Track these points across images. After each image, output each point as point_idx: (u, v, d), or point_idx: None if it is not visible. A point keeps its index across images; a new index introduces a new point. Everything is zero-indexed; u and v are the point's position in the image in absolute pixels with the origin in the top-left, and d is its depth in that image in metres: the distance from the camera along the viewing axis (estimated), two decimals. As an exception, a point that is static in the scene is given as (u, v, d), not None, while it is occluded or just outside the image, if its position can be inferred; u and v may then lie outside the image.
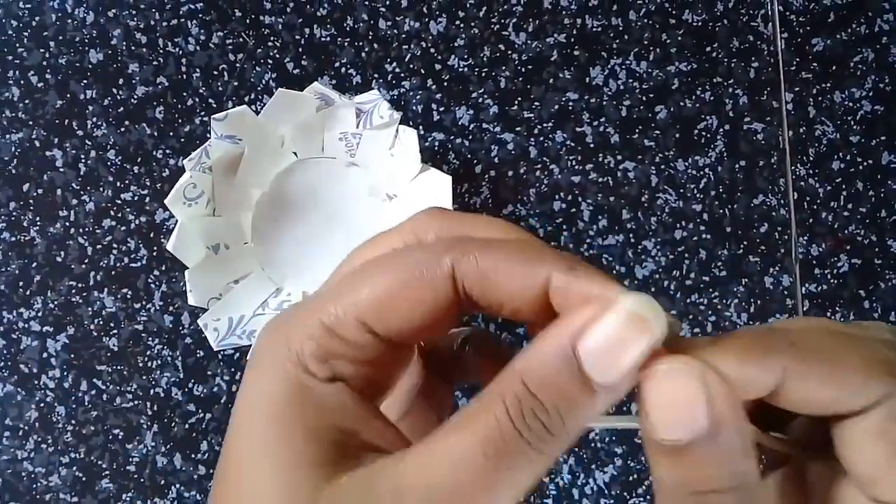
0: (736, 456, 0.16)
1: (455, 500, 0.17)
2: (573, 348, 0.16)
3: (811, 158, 0.42)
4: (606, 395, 0.16)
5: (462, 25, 0.41)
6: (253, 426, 0.19)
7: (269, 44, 0.40)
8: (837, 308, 0.41)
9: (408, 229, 0.20)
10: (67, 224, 0.39)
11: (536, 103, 0.41)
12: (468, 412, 0.17)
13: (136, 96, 0.39)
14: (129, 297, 0.39)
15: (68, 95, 0.39)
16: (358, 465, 0.18)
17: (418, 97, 0.40)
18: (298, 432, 0.18)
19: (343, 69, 0.40)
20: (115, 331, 0.39)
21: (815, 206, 0.42)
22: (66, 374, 0.38)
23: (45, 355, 0.38)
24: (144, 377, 0.38)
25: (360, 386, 0.19)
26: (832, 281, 0.41)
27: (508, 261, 0.18)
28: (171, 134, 0.39)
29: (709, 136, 0.41)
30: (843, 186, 0.42)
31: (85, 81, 0.39)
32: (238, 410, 0.19)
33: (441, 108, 0.40)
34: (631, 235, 0.41)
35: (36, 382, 0.38)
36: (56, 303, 0.38)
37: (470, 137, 0.40)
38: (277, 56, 0.40)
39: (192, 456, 0.38)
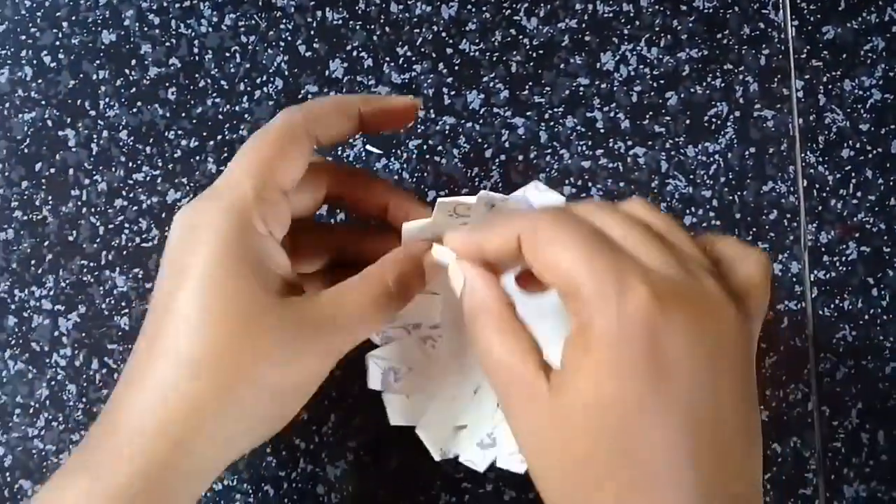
0: (476, 290, 0.28)
1: (356, 325, 0.29)
2: (423, 260, 0.31)
3: (821, 146, 0.42)
4: (424, 286, 0.31)
5: (473, 10, 0.41)
6: (212, 257, 0.26)
7: (282, 26, 0.40)
8: (846, 295, 0.41)
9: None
10: (79, 203, 0.39)
11: (547, 88, 0.41)
12: (365, 277, 0.29)
13: (148, 77, 0.39)
14: (140, 276, 0.39)
15: (81, 75, 0.39)
16: (289, 297, 0.28)
17: (429, 81, 0.40)
18: (251, 264, 0.27)
19: (354, 52, 0.40)
20: (126, 310, 0.39)
21: (824, 194, 0.42)
22: (77, 352, 0.38)
23: (56, 334, 0.38)
24: (155, 356, 0.38)
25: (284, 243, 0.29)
26: (841, 268, 0.42)
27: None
28: (184, 115, 0.39)
29: (719, 122, 0.41)
30: (853, 174, 0.42)
31: (98, 62, 0.39)
32: (187, 246, 0.27)
33: (452, 92, 0.40)
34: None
35: (47, 361, 0.38)
36: (68, 282, 0.39)
37: (480, 122, 0.41)
38: (289, 38, 0.40)
39: (202, 435, 0.38)
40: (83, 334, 0.39)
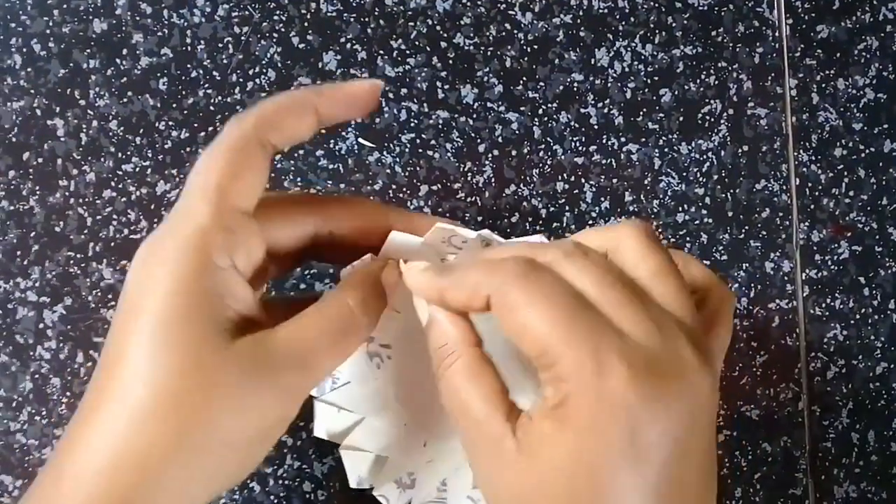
0: (442, 327, 0.26)
1: (318, 359, 0.26)
2: (384, 280, 0.29)
3: (814, 145, 0.42)
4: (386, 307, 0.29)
5: (468, 4, 0.40)
6: (164, 301, 0.24)
7: (275, 17, 0.40)
8: (837, 294, 0.41)
9: None
10: (67, 194, 0.38)
11: (541, 83, 0.41)
12: (324, 302, 0.27)
13: (139, 67, 0.39)
14: (128, 269, 0.38)
15: (71, 64, 0.39)
16: (247, 333, 0.25)
17: (423, 74, 0.40)
18: (206, 306, 0.25)
19: (349, 45, 0.40)
20: (112, 303, 0.38)
21: (816, 193, 0.42)
22: (62, 345, 0.38)
23: (41, 326, 0.38)
24: (142, 349, 0.38)
25: (246, 275, 0.26)
26: (832, 267, 0.42)
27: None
28: (175, 105, 0.39)
29: (712, 120, 0.41)
30: (845, 173, 0.42)
31: (88, 51, 0.39)
32: (142, 288, 0.25)
33: (446, 86, 0.40)
34: (633, 218, 0.41)
35: (31, 353, 0.38)
36: (54, 273, 0.38)
37: (474, 116, 0.40)
38: (283, 30, 0.40)
39: (189, 429, 0.38)
40: (69, 327, 0.38)
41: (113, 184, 0.39)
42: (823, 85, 0.42)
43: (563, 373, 0.23)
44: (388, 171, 0.40)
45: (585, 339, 0.23)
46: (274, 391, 0.26)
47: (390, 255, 0.31)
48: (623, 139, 0.41)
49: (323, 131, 0.39)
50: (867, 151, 0.42)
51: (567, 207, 0.40)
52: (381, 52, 0.40)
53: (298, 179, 0.39)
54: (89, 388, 0.26)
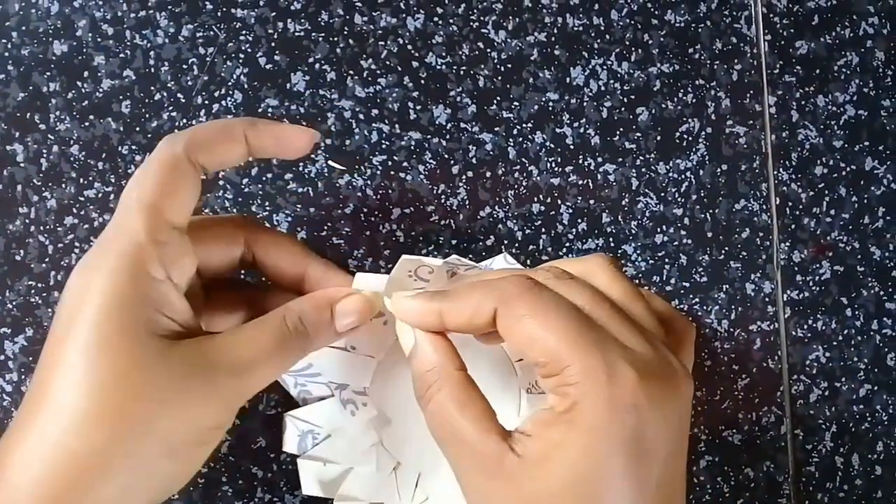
0: (428, 354, 0.27)
1: (253, 366, 0.27)
2: (332, 305, 0.30)
3: (794, 163, 0.41)
4: (336, 333, 0.30)
5: (440, 22, 0.39)
6: (101, 308, 0.25)
7: (241, 37, 0.39)
8: (819, 316, 0.41)
9: None
10: (27, 221, 0.37)
11: (516, 103, 0.40)
12: (265, 320, 0.29)
13: (101, 90, 0.38)
14: (91, 297, 0.37)
15: (31, 88, 0.38)
16: (183, 341, 0.26)
17: (394, 95, 0.39)
18: (142, 312, 0.26)
19: (317, 65, 0.39)
20: (76, 333, 0.37)
21: (797, 212, 0.41)
22: (23, 377, 0.37)
23: (1, 358, 0.37)
24: (106, 381, 0.37)
25: (181, 289, 0.27)
26: (814, 288, 0.41)
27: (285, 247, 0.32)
28: (138, 129, 0.38)
29: (690, 138, 0.40)
30: (826, 192, 0.41)
31: (48, 74, 0.38)
32: (78, 298, 0.26)
33: (418, 107, 0.39)
34: (611, 239, 0.40)
35: (-8, 386, 0.37)
36: (14, 303, 0.37)
37: (447, 137, 0.39)
38: (249, 50, 0.39)
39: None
40: (30, 358, 0.37)
41: (75, 210, 0.37)
42: (803, 102, 0.41)
43: (571, 379, 0.24)
44: (360, 194, 0.39)
45: (593, 346, 0.24)
46: (209, 395, 0.26)
47: (319, 289, 0.31)
48: (600, 159, 0.40)
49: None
50: (848, 169, 0.41)
51: (543, 229, 0.40)
52: (351, 72, 0.39)
53: (267, 203, 0.38)
54: (26, 397, 0.26)
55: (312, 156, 0.39)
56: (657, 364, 0.25)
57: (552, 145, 0.40)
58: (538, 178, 0.40)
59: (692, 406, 0.30)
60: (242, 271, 0.37)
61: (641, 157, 0.40)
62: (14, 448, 0.25)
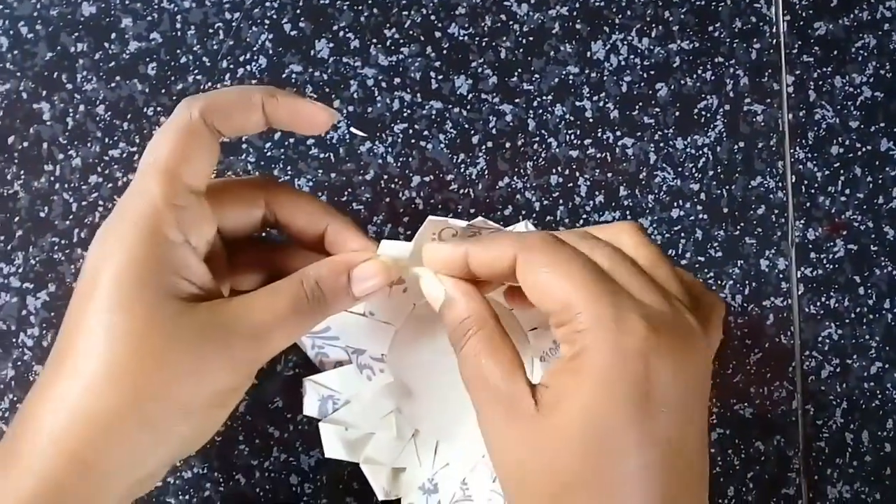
0: (462, 302, 0.28)
1: (269, 330, 0.27)
2: (350, 270, 0.30)
3: (810, 142, 0.41)
4: (353, 299, 0.30)
5: (464, -6, 0.40)
6: (120, 272, 0.26)
7: (267, 4, 0.39)
8: (832, 293, 0.41)
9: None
10: (52, 179, 0.38)
11: (536, 76, 0.40)
12: (282, 283, 0.29)
13: (128, 51, 0.38)
14: (113, 256, 0.37)
15: (58, 48, 0.38)
16: (200, 303, 0.27)
17: (417, 64, 0.40)
18: (160, 276, 0.26)
19: (341, 33, 0.39)
20: (97, 290, 0.37)
21: (812, 190, 0.41)
22: (45, 332, 0.37)
23: (24, 312, 0.37)
24: (126, 338, 0.37)
25: (199, 252, 0.28)
26: (828, 266, 0.41)
27: (308, 203, 0.32)
28: (163, 91, 0.38)
29: (708, 115, 0.41)
30: (842, 171, 0.41)
31: (76, 34, 0.38)
32: (98, 262, 0.26)
33: (440, 77, 0.40)
34: (628, 212, 0.40)
35: (14, 340, 0.37)
36: (38, 259, 0.37)
37: (468, 107, 0.40)
38: (275, 16, 0.39)
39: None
40: (52, 314, 0.37)
41: (99, 169, 0.38)
42: (820, 82, 0.42)
43: (581, 326, 0.24)
44: (380, 161, 0.39)
45: (606, 295, 0.24)
46: (225, 358, 0.27)
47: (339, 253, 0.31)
48: (618, 133, 0.40)
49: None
50: (864, 149, 0.42)
51: (561, 201, 0.40)
52: (375, 40, 0.39)
53: (288, 168, 0.39)
54: (49, 359, 0.27)
55: (335, 122, 0.39)
56: (671, 319, 0.25)
57: (571, 118, 0.40)
58: (557, 149, 0.40)
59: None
60: (268, 231, 0.37)
61: (660, 133, 0.41)
62: (36, 409, 0.26)
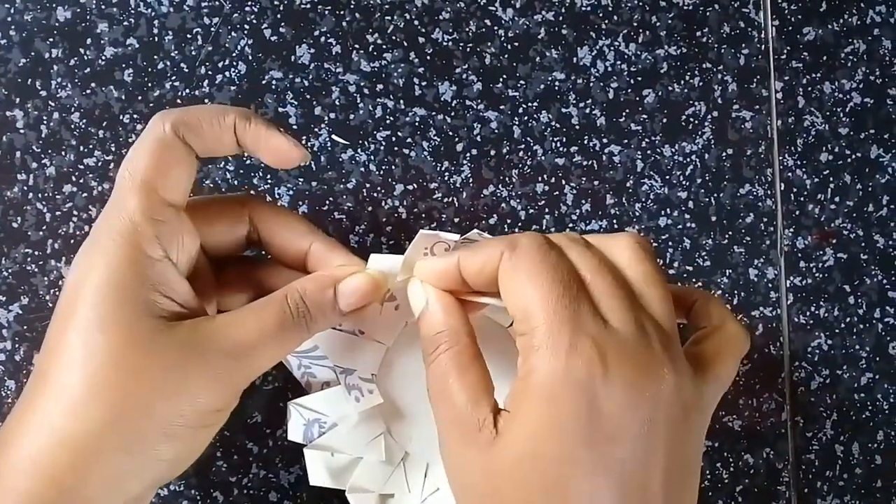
0: (439, 315, 0.27)
1: (253, 348, 0.27)
2: (335, 285, 0.29)
3: (799, 149, 0.41)
4: (340, 314, 0.29)
5: (447, -1, 0.39)
6: (98, 290, 0.25)
7: (247, 8, 0.38)
8: (822, 303, 0.40)
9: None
10: (25, 188, 0.37)
11: (522, 82, 0.39)
12: (266, 300, 0.28)
13: (104, 57, 0.37)
14: (88, 267, 0.37)
15: (32, 53, 0.37)
16: (182, 321, 0.26)
17: (400, 70, 0.39)
18: (140, 293, 0.25)
19: (322, 38, 0.38)
20: (72, 302, 0.36)
21: (801, 198, 0.41)
22: (17, 346, 0.36)
23: (-4, 326, 0.36)
24: (101, 351, 0.36)
25: (181, 267, 0.27)
26: (817, 275, 0.41)
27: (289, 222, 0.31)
28: (140, 98, 0.38)
29: (696, 122, 0.40)
30: (831, 179, 0.41)
31: (51, 40, 0.37)
32: (79, 279, 0.26)
33: (423, 83, 0.39)
34: (614, 221, 0.40)
35: (-15, 354, 0.36)
36: (10, 271, 0.36)
37: (452, 114, 0.39)
38: (254, 21, 0.38)
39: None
40: (24, 327, 0.36)
41: (74, 179, 0.37)
42: (809, 88, 0.41)
43: (535, 342, 0.24)
44: (363, 169, 0.38)
45: (568, 315, 0.24)
46: (208, 377, 0.26)
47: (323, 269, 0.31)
48: (605, 140, 0.40)
49: (294, 126, 0.38)
50: (853, 157, 0.41)
51: (547, 209, 0.39)
52: (357, 46, 0.39)
53: (268, 177, 0.38)
54: (30, 379, 0.26)
55: (315, 129, 0.38)
56: (631, 346, 0.24)
57: (557, 125, 0.39)
58: (543, 157, 0.39)
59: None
60: (255, 250, 0.36)
61: (647, 140, 0.40)
62: (15, 430, 0.25)
